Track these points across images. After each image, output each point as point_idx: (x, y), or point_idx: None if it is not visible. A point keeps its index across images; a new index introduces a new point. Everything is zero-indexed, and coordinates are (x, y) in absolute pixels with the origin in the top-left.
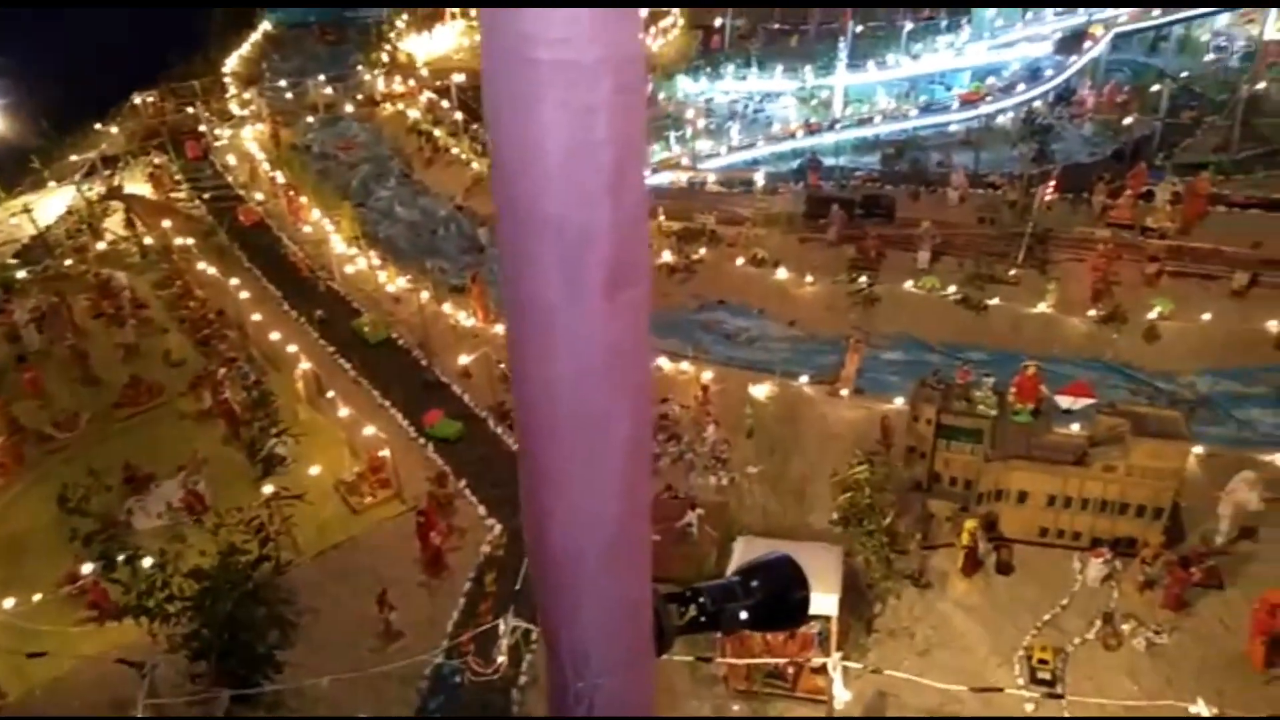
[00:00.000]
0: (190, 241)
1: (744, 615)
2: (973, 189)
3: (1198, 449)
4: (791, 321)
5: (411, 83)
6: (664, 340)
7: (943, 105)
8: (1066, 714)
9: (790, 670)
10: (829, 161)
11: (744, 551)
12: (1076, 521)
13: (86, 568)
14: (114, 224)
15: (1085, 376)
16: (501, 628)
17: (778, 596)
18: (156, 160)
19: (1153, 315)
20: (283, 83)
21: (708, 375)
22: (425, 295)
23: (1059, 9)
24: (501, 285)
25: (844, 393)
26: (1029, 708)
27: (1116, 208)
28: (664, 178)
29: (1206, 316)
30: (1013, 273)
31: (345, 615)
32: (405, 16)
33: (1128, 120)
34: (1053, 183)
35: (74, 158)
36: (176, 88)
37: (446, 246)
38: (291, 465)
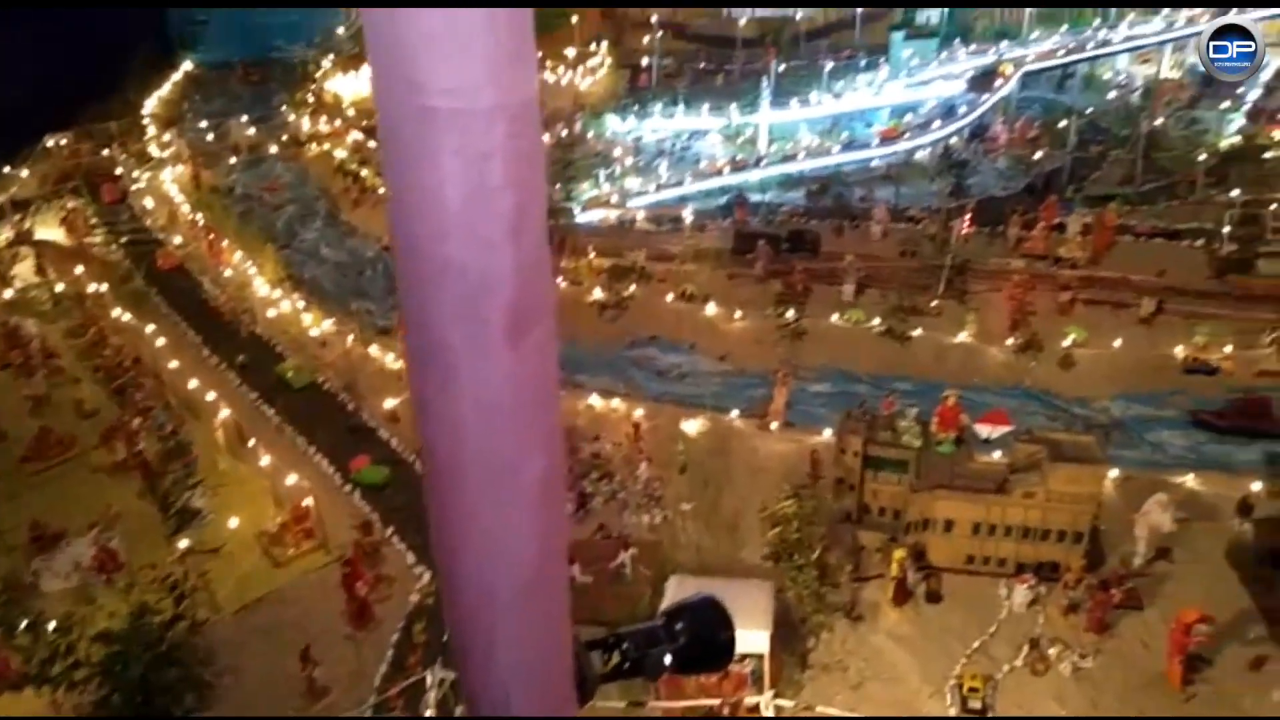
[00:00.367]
0: (104, 287)
1: (668, 659)
2: (894, 223)
3: (1113, 473)
4: (722, 356)
5: (338, 122)
6: (596, 378)
7: (863, 142)
8: None
9: (725, 711)
10: (755, 198)
11: (676, 590)
12: (1001, 548)
13: None
14: (24, 270)
15: (1005, 404)
16: (429, 679)
17: (703, 639)
18: (71, 204)
19: (1067, 343)
20: (204, 124)
21: (639, 413)
22: (351, 338)
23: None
24: (404, 328)
25: (774, 426)
26: None
27: (1030, 239)
28: (594, 215)
29: (1117, 343)
30: (934, 304)
31: (268, 673)
32: (331, 56)
33: (1038, 155)
34: (969, 216)
35: None
36: (93, 129)
37: (373, 288)
38: (210, 518)
